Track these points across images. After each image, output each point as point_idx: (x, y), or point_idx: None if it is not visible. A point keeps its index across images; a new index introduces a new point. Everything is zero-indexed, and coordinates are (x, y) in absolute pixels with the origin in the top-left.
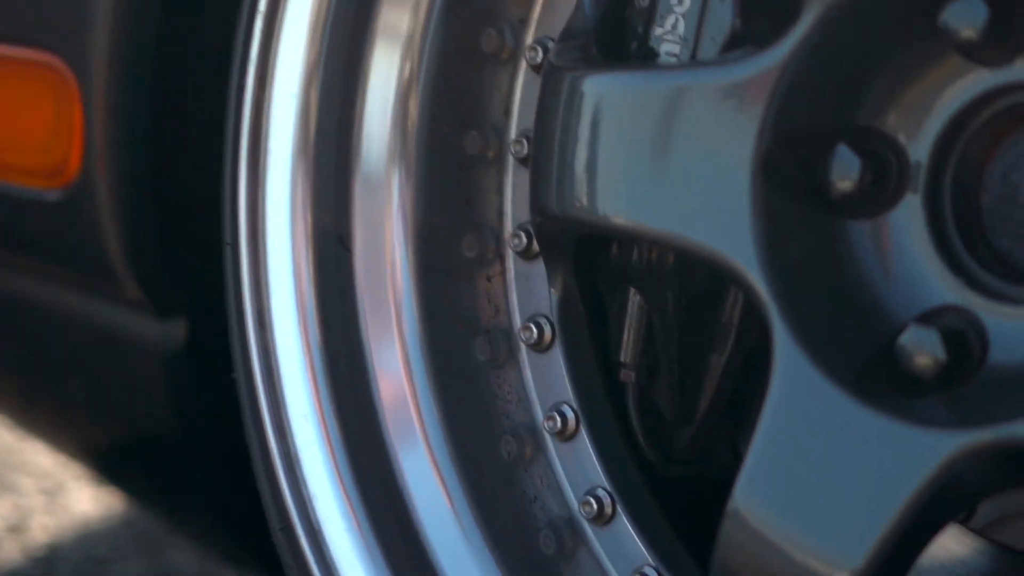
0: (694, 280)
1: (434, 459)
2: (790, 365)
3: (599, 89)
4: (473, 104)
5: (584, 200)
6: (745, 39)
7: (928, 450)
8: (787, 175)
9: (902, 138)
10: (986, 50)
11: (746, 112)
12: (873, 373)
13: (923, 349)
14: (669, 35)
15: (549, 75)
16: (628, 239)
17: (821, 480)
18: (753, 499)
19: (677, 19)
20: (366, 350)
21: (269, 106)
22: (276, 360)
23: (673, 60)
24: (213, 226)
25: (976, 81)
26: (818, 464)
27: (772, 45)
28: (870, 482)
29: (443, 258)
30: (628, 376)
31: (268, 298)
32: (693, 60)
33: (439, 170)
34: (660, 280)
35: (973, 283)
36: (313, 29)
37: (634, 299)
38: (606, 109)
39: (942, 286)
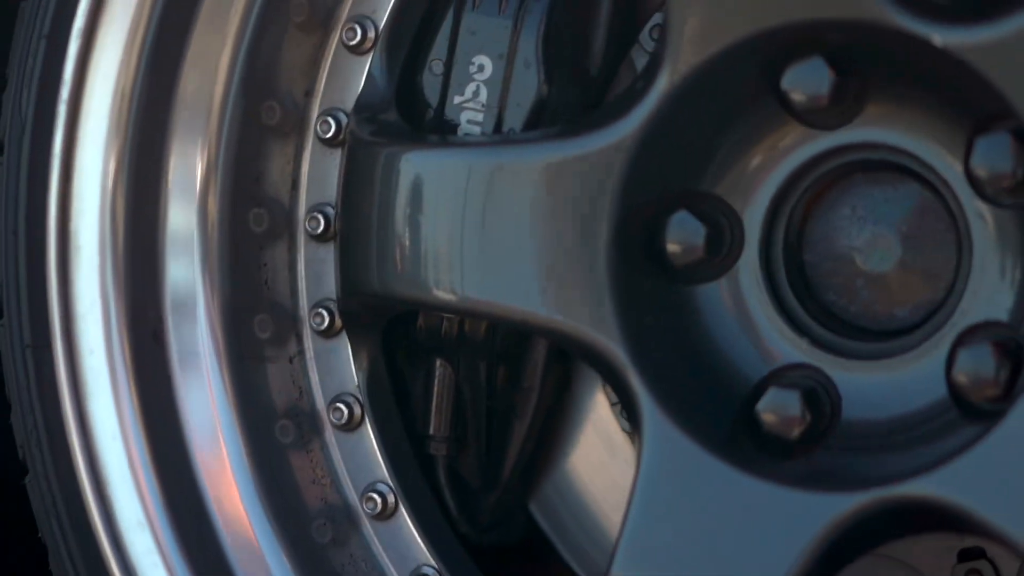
0: (503, 348)
1: (259, 546)
2: (659, 435)
3: (434, 165)
4: (260, 180)
5: (421, 278)
6: (551, 105)
7: (814, 511)
8: (637, 246)
9: (738, 203)
10: (819, 113)
11: (597, 185)
12: (741, 437)
13: (786, 412)
14: (470, 103)
15: (360, 150)
16: (468, 316)
17: (703, 547)
18: (634, 570)
19: (479, 87)
20: (189, 447)
21: (74, 202)
22: (102, 467)
23: (476, 129)
24: None
25: (808, 145)
26: (698, 531)
27: (620, 117)
28: (756, 547)
29: (245, 342)
30: (438, 449)
31: (87, 401)
32: (530, 132)
33: (237, 251)
34: (471, 351)
35: (815, 340)
36: (118, 123)
37: (442, 371)
38: (447, 186)
39: (787, 345)
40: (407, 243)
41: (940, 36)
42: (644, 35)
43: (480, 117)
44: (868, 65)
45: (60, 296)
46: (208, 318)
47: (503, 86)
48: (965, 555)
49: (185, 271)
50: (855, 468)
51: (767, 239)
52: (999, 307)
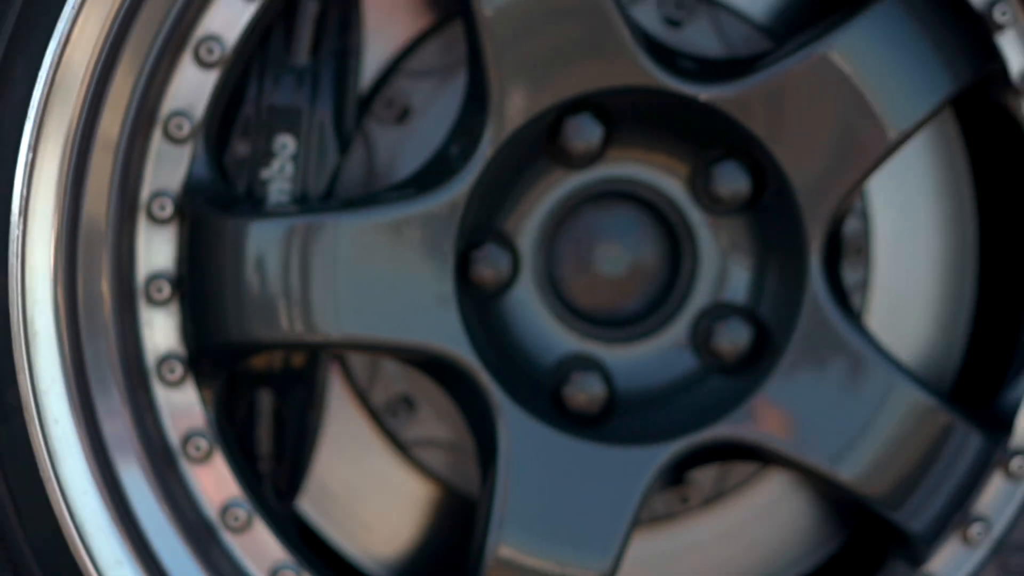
0: (306, 374)
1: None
2: (515, 423)
3: (298, 230)
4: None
5: (287, 322)
6: (344, 171)
7: (644, 460)
8: (461, 274)
9: (519, 235)
10: (582, 158)
11: (443, 231)
12: (570, 414)
13: (590, 390)
14: (278, 176)
15: (204, 225)
16: (333, 348)
17: (565, 505)
18: (511, 535)
19: (284, 163)
20: None
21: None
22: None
23: (285, 198)
24: None
25: (566, 183)
26: (558, 492)
27: (456, 178)
28: (605, 495)
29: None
30: (265, 466)
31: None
32: (380, 194)
33: (95, 321)
34: (289, 379)
35: (586, 334)
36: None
37: (263, 400)
38: (316, 246)
39: (570, 339)
40: (271, 295)
41: (704, 92)
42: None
43: (288, 186)
44: (627, 117)
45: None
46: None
47: (305, 159)
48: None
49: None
50: (661, 422)
51: (536, 261)
52: (724, 290)
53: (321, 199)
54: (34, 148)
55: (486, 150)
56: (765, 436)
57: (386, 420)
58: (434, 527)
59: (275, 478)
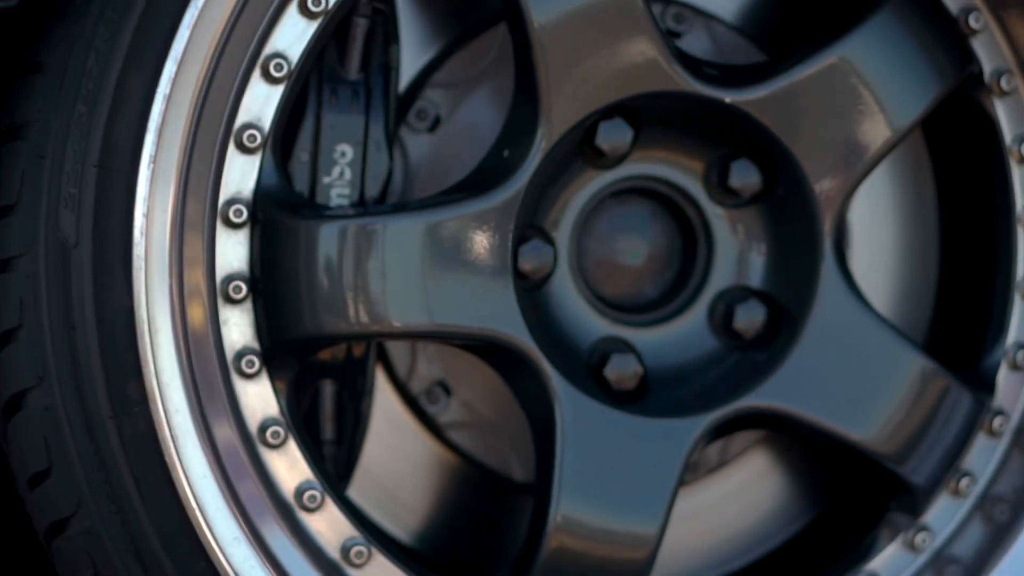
0: (362, 364)
1: None
2: (569, 400)
3: (373, 231)
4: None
5: (357, 316)
6: (395, 175)
7: (686, 430)
8: (517, 267)
9: (556, 230)
10: (612, 158)
11: (503, 228)
12: (613, 392)
13: (629, 369)
14: (338, 182)
15: (281, 226)
16: (405, 339)
17: (617, 473)
18: (571, 502)
19: (343, 169)
20: None
21: None
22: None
23: (345, 202)
24: None
25: (597, 183)
26: (611, 462)
27: (512, 178)
28: (652, 463)
29: None
30: (330, 450)
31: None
32: (445, 196)
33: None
34: (350, 369)
35: (616, 319)
36: None
37: (326, 389)
38: (392, 244)
39: (602, 323)
40: (340, 290)
41: (729, 96)
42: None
43: (347, 191)
44: (654, 121)
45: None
46: None
47: (362, 166)
48: None
49: None
50: (699, 395)
51: (571, 254)
52: (740, 272)
53: (375, 202)
54: (155, 160)
55: (538, 152)
56: (791, 405)
57: (424, 405)
58: (465, 503)
59: (336, 462)
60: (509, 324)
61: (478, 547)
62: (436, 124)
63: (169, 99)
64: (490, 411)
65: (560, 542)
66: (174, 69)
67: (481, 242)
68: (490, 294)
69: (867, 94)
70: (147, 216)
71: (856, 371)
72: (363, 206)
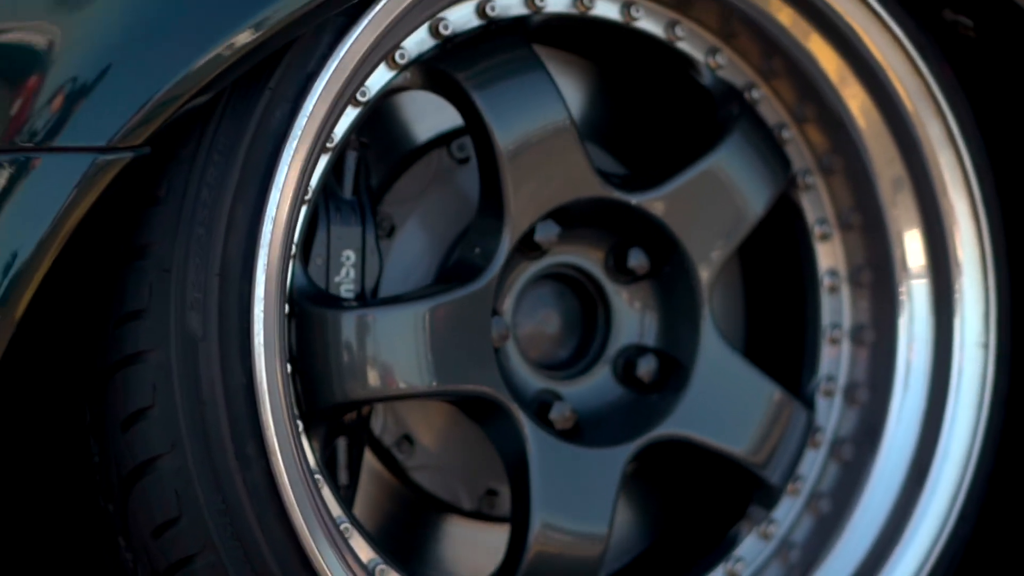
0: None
1: None
2: (539, 441)
3: (384, 316)
4: None
5: (375, 383)
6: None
7: (618, 456)
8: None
9: (503, 307)
10: (541, 251)
11: (483, 308)
12: (560, 431)
13: (566, 413)
14: (345, 280)
15: (309, 316)
16: (415, 398)
17: (574, 492)
18: (545, 515)
19: (348, 269)
20: None
21: None
22: None
23: (351, 295)
24: None
25: (529, 271)
26: (576, 487)
27: (487, 270)
28: (598, 483)
29: None
30: (347, 493)
31: None
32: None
33: None
34: (358, 426)
35: (548, 375)
36: None
37: (341, 444)
38: (394, 325)
39: (540, 378)
40: (359, 364)
41: (634, 198)
42: None
43: (352, 287)
44: (573, 218)
45: None
46: None
47: (362, 268)
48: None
49: None
50: (625, 424)
51: (514, 326)
52: (637, 333)
53: (372, 294)
54: (267, 268)
55: (505, 249)
56: (690, 432)
57: (395, 454)
58: (425, 527)
59: (349, 503)
60: (492, 383)
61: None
62: (391, 232)
63: (275, 221)
64: (445, 456)
65: (540, 545)
66: (277, 197)
67: (468, 320)
68: (476, 361)
69: (730, 193)
70: (264, 312)
71: (732, 402)
72: (364, 298)
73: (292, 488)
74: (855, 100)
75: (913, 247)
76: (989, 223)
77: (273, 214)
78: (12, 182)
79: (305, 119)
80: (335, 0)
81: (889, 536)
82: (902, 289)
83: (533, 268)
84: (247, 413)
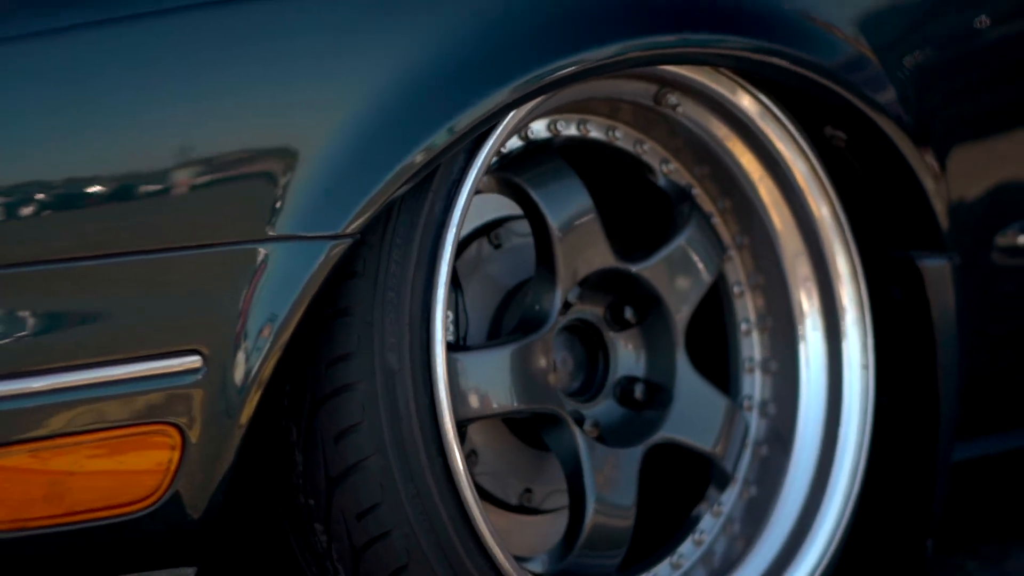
0: None
1: None
2: (586, 444)
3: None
4: None
5: (481, 404)
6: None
7: (637, 453)
8: None
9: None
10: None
11: (545, 354)
12: (596, 439)
13: (591, 425)
14: (450, 331)
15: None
16: (506, 416)
17: (612, 482)
18: (598, 502)
19: (449, 324)
20: None
21: None
22: None
23: (451, 339)
24: None
25: (559, 323)
26: (612, 477)
27: (546, 323)
28: (629, 478)
29: None
30: None
31: None
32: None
33: None
34: None
35: (574, 400)
36: None
37: None
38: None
39: (570, 402)
40: (471, 391)
41: (634, 267)
42: None
43: (451, 332)
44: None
45: None
46: None
47: (457, 312)
48: None
49: None
50: (632, 433)
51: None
52: (630, 367)
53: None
54: (439, 321)
55: (557, 306)
56: (676, 435)
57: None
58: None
59: None
60: (556, 403)
61: None
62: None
63: (443, 287)
64: (497, 464)
65: (594, 519)
66: (443, 270)
67: (537, 358)
68: (544, 387)
69: (695, 264)
70: (440, 352)
71: (702, 412)
72: (460, 345)
73: (464, 476)
74: (767, 192)
75: (809, 297)
76: (864, 276)
77: (442, 281)
78: (272, 263)
79: (457, 213)
80: (494, 115)
81: (811, 511)
82: (800, 329)
83: (562, 321)
84: (431, 424)
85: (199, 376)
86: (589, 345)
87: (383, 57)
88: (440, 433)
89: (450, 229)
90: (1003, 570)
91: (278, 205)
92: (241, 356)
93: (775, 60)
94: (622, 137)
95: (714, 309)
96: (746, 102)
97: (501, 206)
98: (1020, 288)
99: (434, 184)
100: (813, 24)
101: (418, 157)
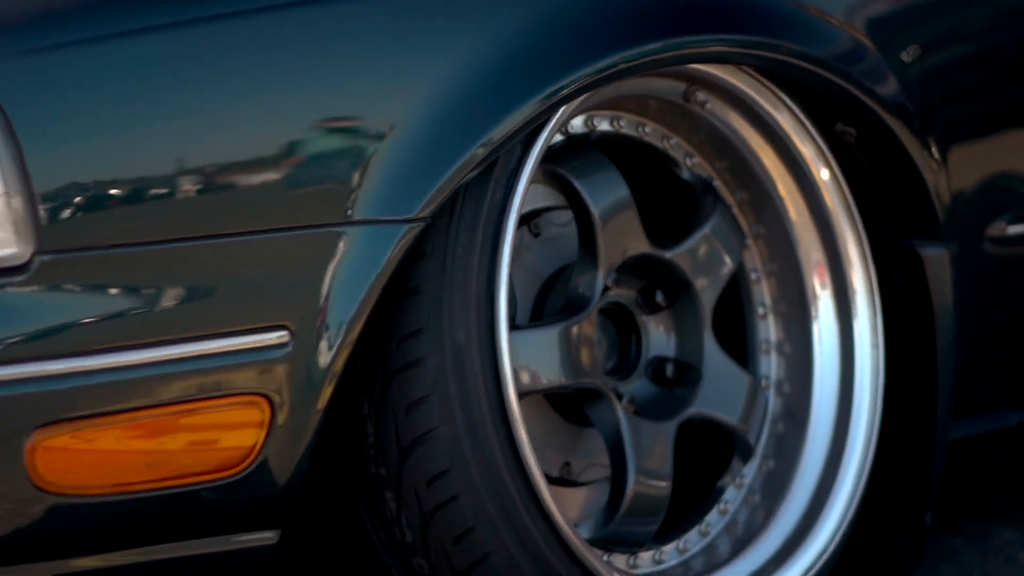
0: None
1: None
2: (627, 418)
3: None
4: None
5: (532, 378)
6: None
7: (672, 426)
8: None
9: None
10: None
11: (593, 329)
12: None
13: (628, 400)
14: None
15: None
16: (557, 390)
17: (650, 453)
18: (638, 471)
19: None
20: None
21: None
22: None
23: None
24: None
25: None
26: (649, 449)
27: (589, 305)
28: (665, 449)
29: None
30: None
31: None
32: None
33: None
34: None
35: (612, 378)
36: None
37: None
38: (546, 341)
39: (609, 380)
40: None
41: (668, 253)
42: None
43: None
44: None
45: None
46: None
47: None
48: None
49: None
50: (665, 408)
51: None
52: (661, 348)
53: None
54: (502, 295)
55: (599, 289)
56: (706, 410)
57: None
58: None
59: None
60: (600, 379)
61: None
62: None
63: (505, 267)
64: (540, 440)
65: (635, 488)
66: (505, 251)
67: (582, 336)
68: (589, 364)
69: (720, 252)
70: (504, 328)
71: (728, 388)
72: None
73: (527, 445)
74: (783, 185)
75: (822, 281)
76: (873, 263)
77: (504, 262)
78: (353, 245)
79: (517, 199)
80: (545, 111)
81: (827, 484)
82: (813, 311)
83: (600, 304)
84: (496, 395)
85: (287, 350)
86: (622, 327)
87: (451, 58)
88: (504, 404)
89: (511, 214)
90: (987, 547)
91: (359, 192)
92: (324, 331)
93: (795, 61)
94: (651, 132)
95: (732, 294)
96: (767, 99)
97: (538, 197)
98: (1009, 276)
99: (495, 173)
100: (828, 23)
101: (479, 150)
